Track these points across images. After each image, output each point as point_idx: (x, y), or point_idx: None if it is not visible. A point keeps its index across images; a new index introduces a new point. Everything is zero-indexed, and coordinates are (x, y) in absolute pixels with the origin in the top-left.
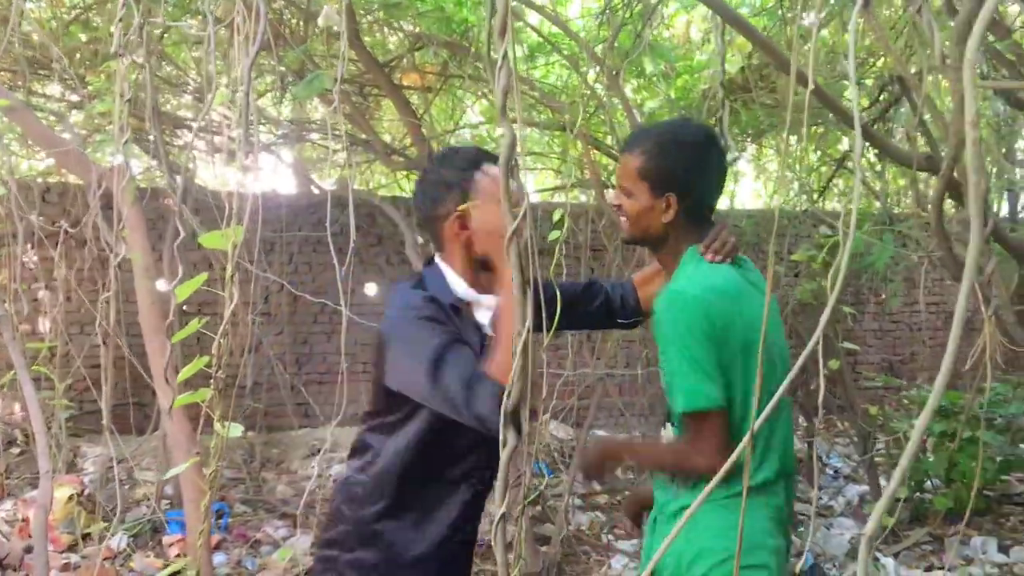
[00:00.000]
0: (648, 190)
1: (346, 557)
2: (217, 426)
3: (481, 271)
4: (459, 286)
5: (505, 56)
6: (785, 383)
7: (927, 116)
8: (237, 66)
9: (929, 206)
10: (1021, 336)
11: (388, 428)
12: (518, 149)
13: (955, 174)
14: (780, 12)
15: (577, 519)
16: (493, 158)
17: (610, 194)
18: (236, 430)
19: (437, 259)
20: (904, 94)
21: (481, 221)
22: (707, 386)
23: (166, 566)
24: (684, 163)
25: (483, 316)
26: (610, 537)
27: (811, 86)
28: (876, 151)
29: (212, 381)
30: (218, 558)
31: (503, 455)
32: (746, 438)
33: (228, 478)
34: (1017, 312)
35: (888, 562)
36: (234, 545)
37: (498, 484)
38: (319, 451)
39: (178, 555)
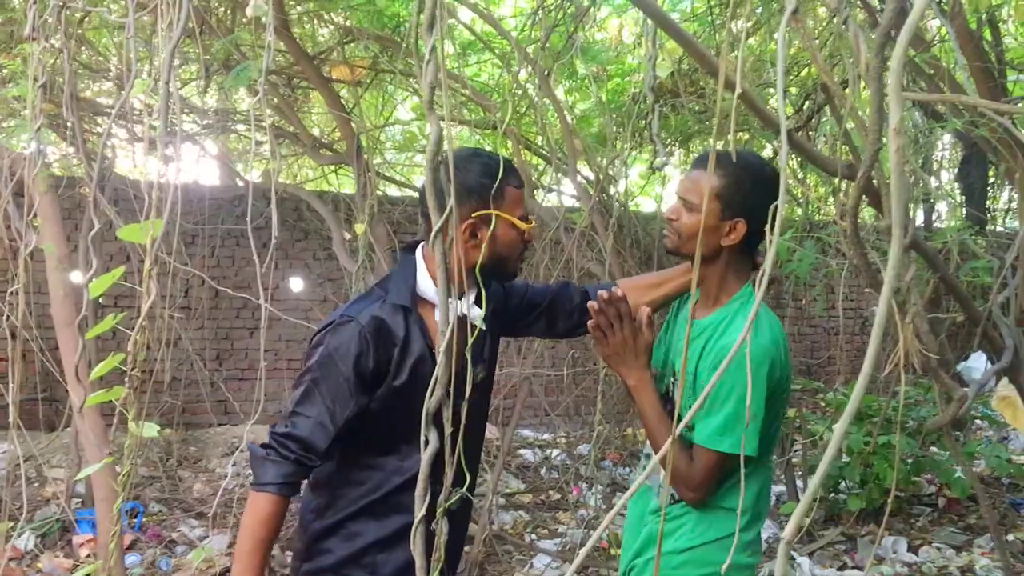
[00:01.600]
0: (718, 211)
1: (306, 567)
2: (131, 425)
3: (468, 276)
4: (427, 284)
5: (433, 51)
6: (702, 394)
7: (850, 125)
8: (160, 53)
9: (844, 214)
10: (933, 342)
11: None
12: (445, 145)
13: (874, 182)
14: (710, 18)
15: (501, 518)
16: (515, 171)
17: (669, 206)
18: (151, 429)
19: (419, 251)
20: (828, 102)
21: (501, 234)
22: (752, 438)
23: (76, 567)
24: (761, 195)
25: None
26: (533, 536)
27: (739, 90)
28: (800, 158)
29: (127, 379)
30: (131, 559)
31: (424, 456)
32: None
33: (143, 476)
34: (932, 319)
35: (803, 561)
36: (148, 545)
37: (418, 486)
38: (238, 449)
39: (88, 556)
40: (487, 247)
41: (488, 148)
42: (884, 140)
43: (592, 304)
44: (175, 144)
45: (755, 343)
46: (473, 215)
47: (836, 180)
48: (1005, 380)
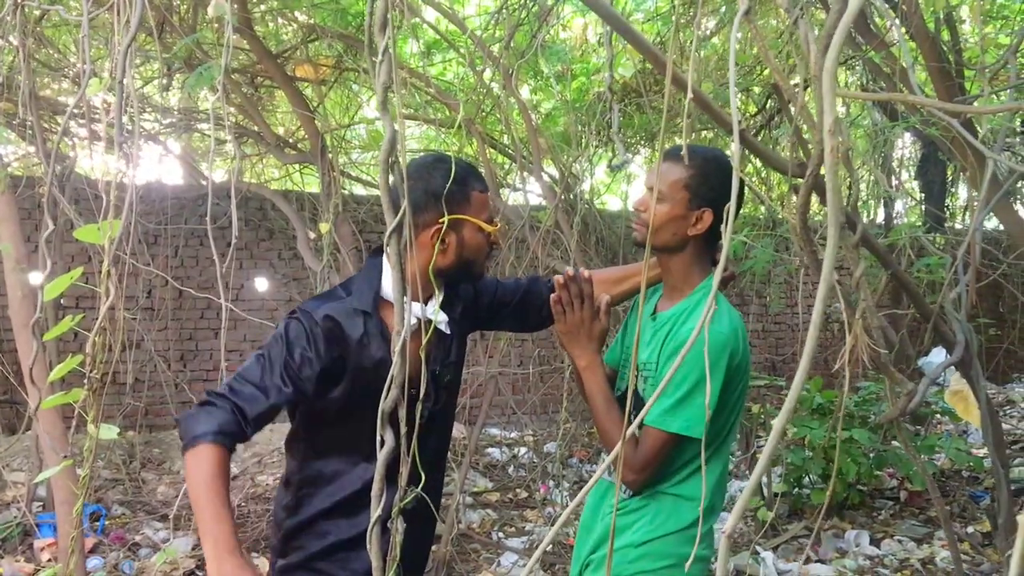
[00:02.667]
0: (686, 201)
1: (281, 563)
2: (91, 428)
3: (435, 279)
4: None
5: (386, 51)
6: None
7: (803, 125)
8: (117, 51)
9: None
10: (889, 338)
11: (292, 433)
12: (399, 146)
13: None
14: (674, 18)
15: (468, 517)
16: (479, 176)
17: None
18: (111, 432)
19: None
20: (781, 103)
21: (468, 238)
22: (700, 419)
23: (37, 571)
24: (726, 187)
25: (410, 320)
26: (500, 534)
27: (690, 94)
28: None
29: (86, 381)
30: (93, 562)
31: (380, 456)
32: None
33: (106, 479)
34: (888, 315)
35: (767, 556)
36: (111, 548)
37: (374, 486)
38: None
39: (50, 560)
40: (454, 252)
41: (454, 146)
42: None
43: (558, 278)
44: (134, 143)
45: (714, 331)
46: (440, 220)
47: (792, 179)
48: (957, 374)
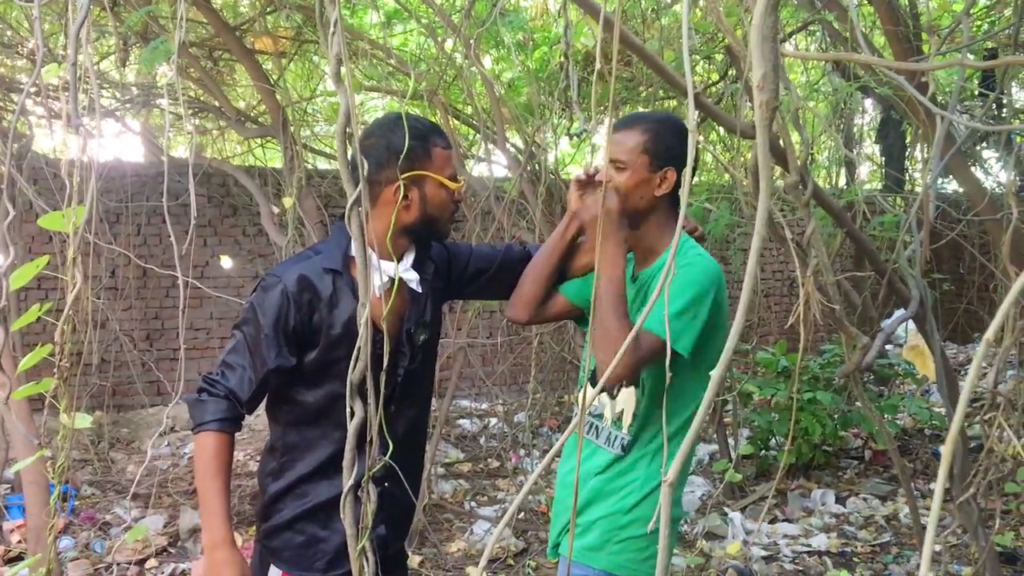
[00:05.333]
0: (647, 164)
1: (264, 526)
2: (63, 417)
3: (401, 237)
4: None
5: (337, 23)
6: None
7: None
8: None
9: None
10: (852, 300)
11: (274, 399)
12: (354, 117)
13: (780, 142)
14: None
15: (440, 488)
16: (442, 132)
17: (600, 173)
18: (84, 420)
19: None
20: (733, 64)
21: (431, 195)
22: (688, 337)
23: (7, 552)
24: (682, 144)
25: (381, 277)
26: (473, 504)
27: (610, 75)
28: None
29: (55, 369)
30: (64, 542)
31: (350, 426)
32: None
33: (74, 459)
34: (850, 277)
35: (735, 516)
36: (82, 528)
37: (346, 455)
38: (172, 429)
39: (20, 541)
40: (417, 208)
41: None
42: (781, 98)
43: (584, 170)
44: (91, 120)
45: (704, 263)
46: (402, 176)
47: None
48: (914, 330)
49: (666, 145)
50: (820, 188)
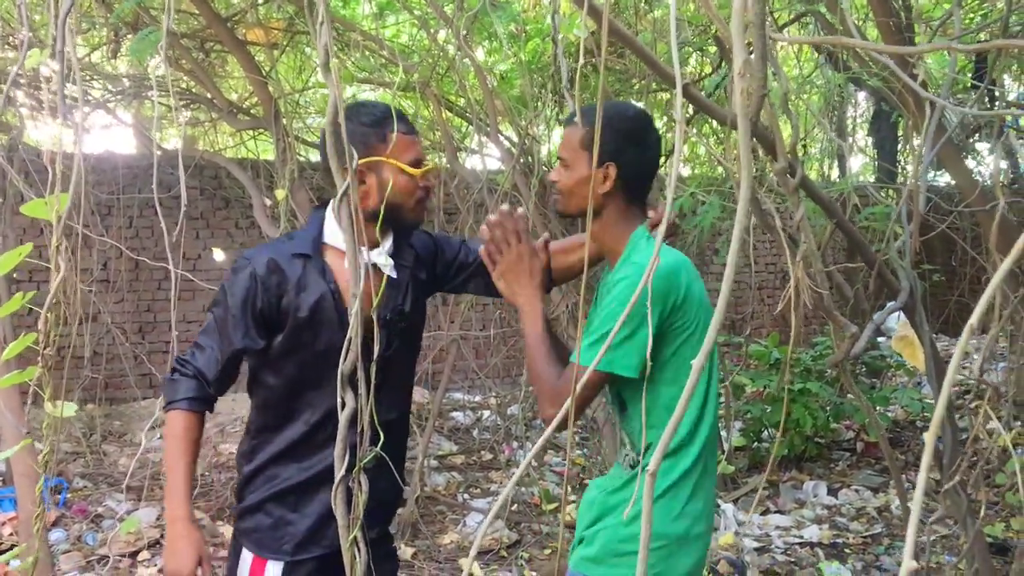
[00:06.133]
0: (588, 160)
1: (239, 507)
2: (48, 406)
3: (371, 224)
4: (334, 234)
5: (325, 14)
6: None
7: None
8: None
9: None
10: (844, 293)
11: (250, 381)
12: (342, 108)
13: (769, 130)
14: None
15: (433, 480)
16: (402, 118)
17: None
18: (69, 409)
19: (329, 206)
20: (722, 56)
21: (385, 180)
22: (629, 357)
23: None
24: (625, 135)
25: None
26: (466, 496)
27: (601, 62)
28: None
29: (40, 358)
30: (56, 535)
31: (342, 417)
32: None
33: (66, 452)
34: (842, 270)
35: (727, 508)
36: (74, 521)
37: (337, 445)
38: (163, 422)
39: (11, 534)
40: (376, 194)
41: (411, 110)
42: (769, 86)
43: (490, 217)
44: (78, 110)
45: (640, 269)
46: (359, 162)
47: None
48: (903, 321)
49: (604, 138)
50: (809, 179)
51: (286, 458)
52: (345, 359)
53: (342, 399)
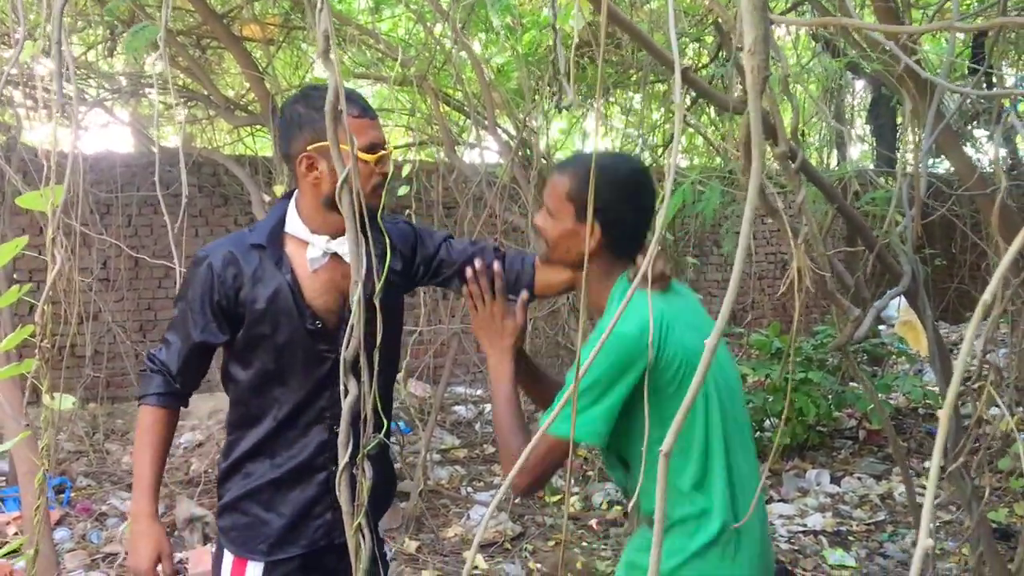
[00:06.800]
0: (573, 214)
1: (219, 505)
2: (46, 398)
3: (329, 212)
4: (294, 223)
5: (323, 1)
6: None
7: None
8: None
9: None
10: (845, 281)
11: (223, 383)
12: (342, 96)
13: (769, 115)
14: None
15: (437, 474)
16: (355, 101)
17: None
18: (67, 401)
19: (293, 196)
20: (722, 41)
21: (332, 165)
22: (594, 425)
23: (3, 545)
24: (615, 194)
25: (313, 251)
26: (469, 490)
27: (599, 49)
28: (703, 99)
29: (37, 351)
30: (61, 533)
31: (344, 404)
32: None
33: (69, 451)
34: (843, 260)
35: None
36: (78, 520)
37: (341, 432)
38: None
39: (16, 533)
40: (328, 181)
41: (408, 104)
42: (771, 69)
43: (468, 271)
44: (73, 108)
45: (617, 332)
46: (308, 148)
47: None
48: (906, 306)
49: (595, 194)
50: (809, 163)
51: (258, 455)
52: (347, 346)
53: (345, 387)
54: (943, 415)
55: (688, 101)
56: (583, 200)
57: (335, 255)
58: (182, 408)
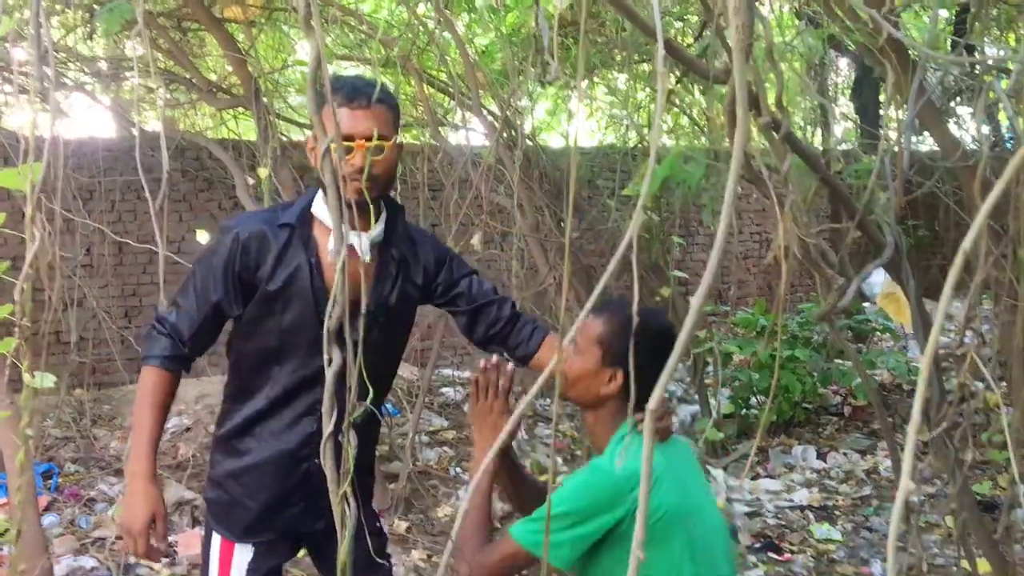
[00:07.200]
0: (599, 357)
1: (209, 472)
2: (27, 377)
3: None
4: (320, 207)
5: None
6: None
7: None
8: None
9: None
10: (829, 259)
11: (227, 347)
12: (324, 64)
13: (752, 84)
14: None
15: (425, 455)
16: (343, 89)
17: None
18: (48, 380)
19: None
20: (707, 16)
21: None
22: (561, 549)
23: None
24: (643, 345)
25: (332, 242)
26: (458, 470)
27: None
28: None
29: (16, 330)
30: (49, 519)
31: (328, 373)
32: None
33: (56, 438)
34: (828, 239)
35: (718, 474)
36: (66, 505)
37: (324, 402)
38: None
39: (3, 519)
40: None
41: (391, 86)
42: (755, 39)
43: (480, 361)
44: (51, 91)
45: (610, 471)
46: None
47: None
48: (889, 279)
49: (622, 343)
50: (793, 133)
51: (246, 434)
52: (331, 317)
53: (329, 356)
54: (925, 358)
55: (672, 80)
56: (611, 346)
57: (352, 248)
58: None
